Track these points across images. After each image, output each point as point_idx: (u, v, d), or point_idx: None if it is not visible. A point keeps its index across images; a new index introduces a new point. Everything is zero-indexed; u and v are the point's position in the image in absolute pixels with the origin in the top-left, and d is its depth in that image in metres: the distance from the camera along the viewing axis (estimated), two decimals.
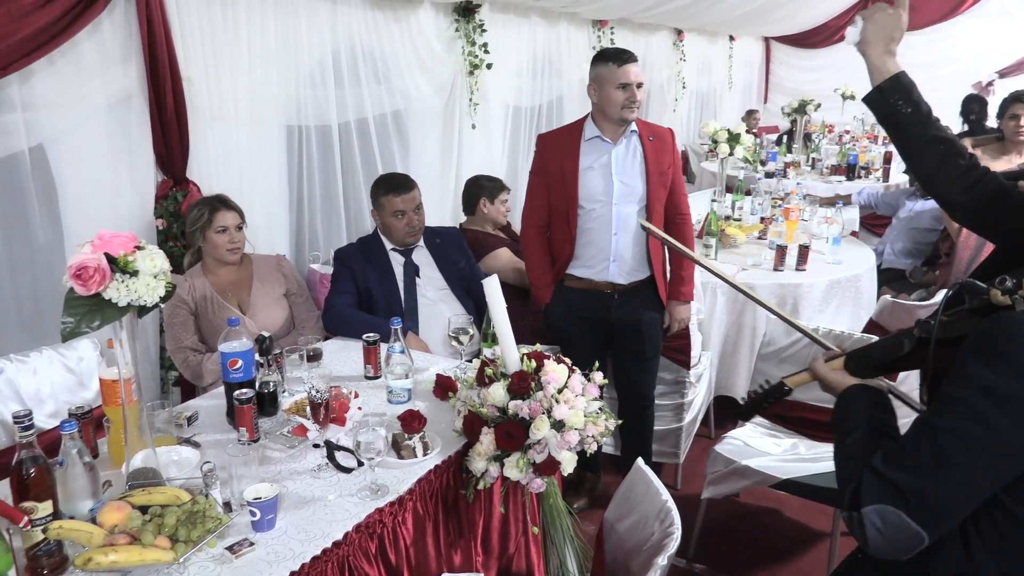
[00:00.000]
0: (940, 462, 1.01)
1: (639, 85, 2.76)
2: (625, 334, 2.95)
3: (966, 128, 6.09)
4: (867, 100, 1.48)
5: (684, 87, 7.76)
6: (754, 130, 7.73)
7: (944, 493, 1.01)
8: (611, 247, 2.85)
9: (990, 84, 8.16)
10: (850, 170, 6.35)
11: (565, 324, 2.97)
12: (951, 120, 6.17)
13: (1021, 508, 1.04)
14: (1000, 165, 3.63)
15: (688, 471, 3.43)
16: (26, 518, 1.42)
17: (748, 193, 5.00)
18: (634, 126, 2.85)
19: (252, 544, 1.57)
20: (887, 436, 1.16)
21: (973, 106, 6.11)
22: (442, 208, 4.49)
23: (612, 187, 2.82)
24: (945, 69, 8.42)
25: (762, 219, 4.53)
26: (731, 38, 8.85)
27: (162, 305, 1.83)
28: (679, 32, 7.50)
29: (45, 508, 1.46)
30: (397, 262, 3.03)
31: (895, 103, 1.42)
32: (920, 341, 1.23)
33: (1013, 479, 1.02)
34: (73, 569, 1.47)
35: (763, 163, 6.45)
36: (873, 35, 1.45)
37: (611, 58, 2.77)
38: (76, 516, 1.56)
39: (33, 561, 1.45)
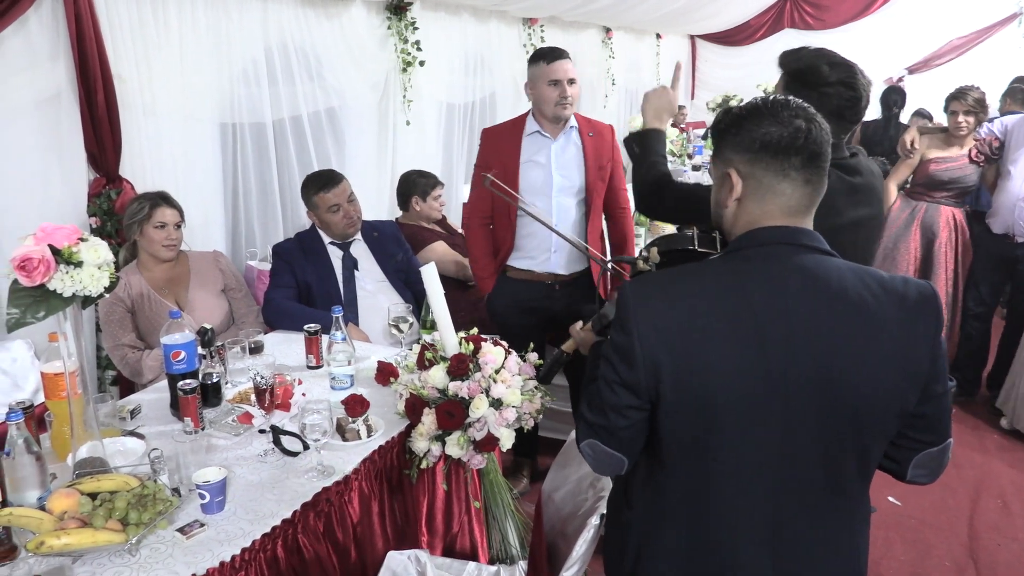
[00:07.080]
0: (602, 402, 1.27)
1: (571, 81, 2.84)
2: (569, 324, 3.05)
3: (886, 116, 6.29)
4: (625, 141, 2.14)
5: (614, 84, 7.94)
6: (681, 125, 7.97)
7: (611, 424, 1.26)
8: (552, 239, 2.93)
9: (900, 79, 8.58)
10: None
11: (507, 314, 3.03)
12: (871, 110, 6.45)
13: (661, 427, 1.25)
14: (944, 154, 3.96)
15: None
16: None
17: None
18: (573, 121, 2.95)
19: (203, 525, 1.62)
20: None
21: (894, 97, 6.36)
22: (378, 204, 4.52)
23: (551, 180, 2.91)
24: (860, 64, 8.85)
25: None
26: (658, 36, 9.09)
27: (99, 301, 1.85)
28: (607, 30, 7.67)
29: None
30: (335, 256, 3.07)
31: (630, 145, 2.07)
32: None
33: (648, 409, 1.24)
34: (25, 555, 1.49)
35: (690, 156, 6.67)
36: (645, 109, 2.05)
37: (542, 56, 2.86)
38: (24, 505, 1.57)
39: None
